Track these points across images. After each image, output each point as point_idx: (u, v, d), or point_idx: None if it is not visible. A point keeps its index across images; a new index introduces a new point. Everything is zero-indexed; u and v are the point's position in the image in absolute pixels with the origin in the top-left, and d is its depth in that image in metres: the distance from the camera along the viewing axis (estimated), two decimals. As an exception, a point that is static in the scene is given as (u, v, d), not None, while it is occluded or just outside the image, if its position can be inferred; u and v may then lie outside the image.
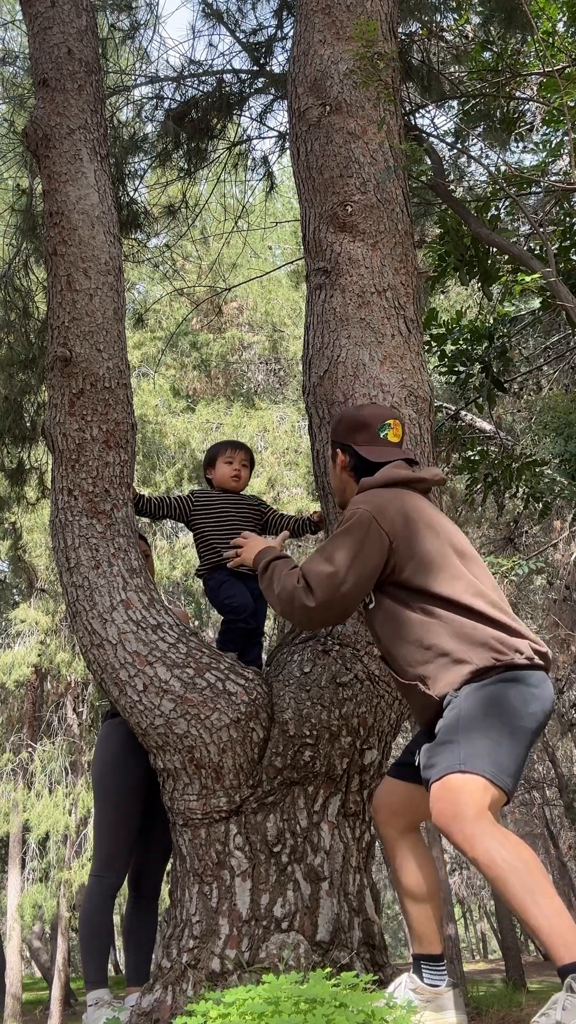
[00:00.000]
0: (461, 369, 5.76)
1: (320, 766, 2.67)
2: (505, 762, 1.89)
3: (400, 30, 4.83)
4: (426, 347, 5.46)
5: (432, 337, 5.70)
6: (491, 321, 5.86)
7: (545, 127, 5.40)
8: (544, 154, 5.58)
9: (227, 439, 3.45)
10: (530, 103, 5.31)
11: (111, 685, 2.78)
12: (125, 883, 3.07)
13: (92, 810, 3.23)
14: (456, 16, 5.46)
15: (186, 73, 6.00)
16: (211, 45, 8.19)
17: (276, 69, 5.92)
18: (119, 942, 20.40)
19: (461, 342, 5.73)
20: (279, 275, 14.19)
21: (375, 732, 2.77)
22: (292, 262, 11.89)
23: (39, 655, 14.07)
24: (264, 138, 10.81)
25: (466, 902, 30.55)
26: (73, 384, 3.07)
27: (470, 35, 5.44)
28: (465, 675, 2.01)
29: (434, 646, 2.06)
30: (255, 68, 6.00)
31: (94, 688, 15.08)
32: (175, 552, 13.82)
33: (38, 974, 22.56)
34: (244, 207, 7.19)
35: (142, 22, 6.10)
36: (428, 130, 6.65)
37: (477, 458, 5.98)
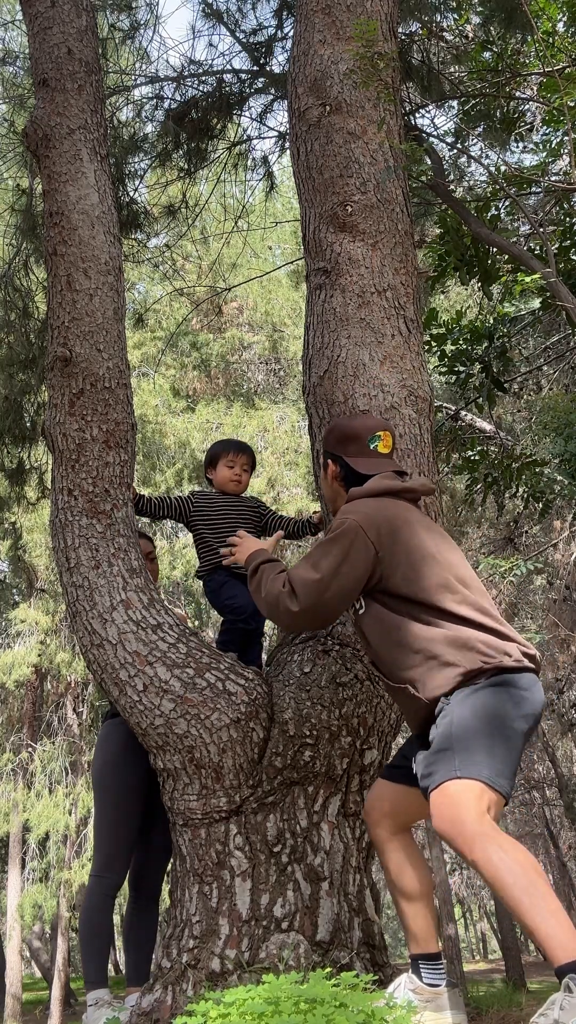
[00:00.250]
0: (461, 369, 5.76)
1: (320, 766, 2.67)
2: (500, 766, 1.92)
3: (400, 30, 4.83)
4: (426, 347, 5.46)
5: (432, 337, 5.69)
6: (491, 321, 5.86)
7: (545, 127, 5.40)
8: (544, 154, 5.58)
9: (229, 439, 3.43)
10: (530, 103, 5.31)
11: (111, 685, 2.78)
12: (125, 883, 3.07)
13: (92, 810, 3.24)
14: (456, 16, 5.46)
15: (186, 73, 6.00)
16: (211, 45, 8.20)
17: (276, 69, 5.93)
18: (119, 942, 20.40)
19: (461, 342, 5.72)
20: (279, 275, 14.20)
21: (375, 732, 2.77)
22: (292, 262, 11.89)
23: (39, 655, 14.07)
24: (264, 138, 10.82)
25: (466, 902, 30.55)
26: (73, 384, 3.07)
27: (470, 35, 5.45)
28: (454, 678, 2.03)
29: (423, 650, 2.09)
30: (255, 68, 6.00)
31: (94, 688, 15.08)
32: (175, 552, 13.83)
33: (38, 974, 22.56)
34: (244, 207, 7.19)
35: (142, 22, 6.10)
36: (428, 130, 6.65)
37: (477, 458, 5.98)
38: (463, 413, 6.47)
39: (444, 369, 5.87)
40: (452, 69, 5.46)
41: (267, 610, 2.33)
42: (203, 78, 5.91)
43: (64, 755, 14.91)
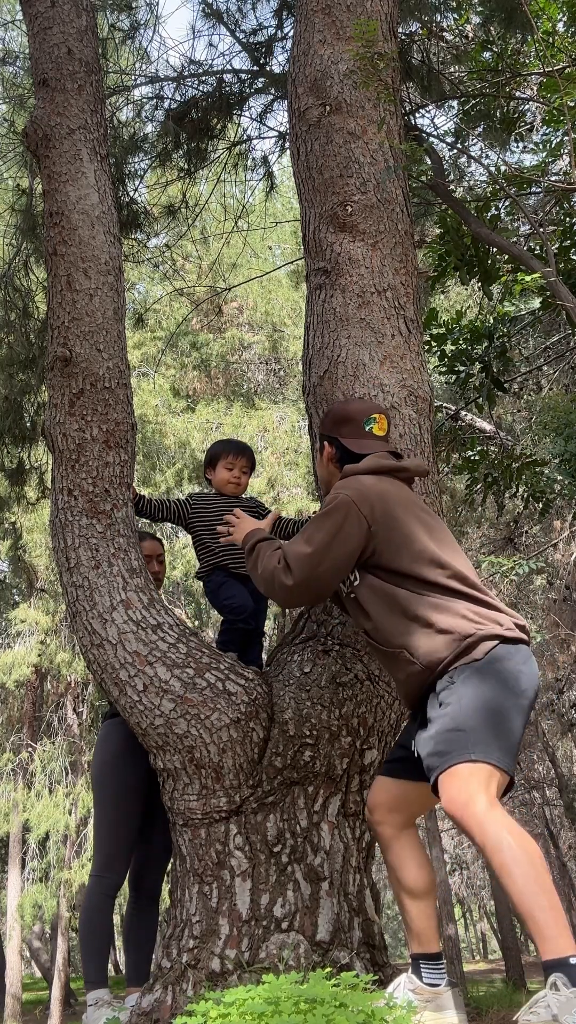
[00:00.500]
0: (461, 369, 5.76)
1: (320, 766, 2.67)
2: (506, 744, 1.96)
3: (400, 30, 4.83)
4: (426, 347, 5.46)
5: (432, 337, 5.69)
6: (491, 321, 5.85)
7: (545, 127, 5.39)
8: (544, 154, 5.57)
9: (229, 439, 3.42)
10: (530, 103, 5.31)
11: (111, 685, 2.78)
12: (125, 883, 3.07)
13: (92, 810, 3.24)
14: (456, 16, 5.46)
15: (186, 73, 6.00)
16: (211, 45, 8.21)
17: (276, 69, 5.93)
18: (119, 942, 20.39)
19: (461, 342, 5.72)
20: (279, 275, 14.19)
21: (375, 732, 2.77)
22: (292, 262, 11.89)
23: (39, 655, 14.07)
24: (264, 138, 10.83)
25: (466, 902, 30.55)
26: (73, 384, 3.07)
27: (470, 35, 5.44)
28: (450, 642, 2.07)
29: (418, 617, 2.14)
30: (255, 68, 6.00)
31: (94, 688, 15.08)
32: (175, 552, 13.82)
33: (38, 974, 22.56)
34: (244, 207, 7.19)
35: (142, 22, 6.10)
36: (428, 130, 6.65)
37: (477, 458, 5.98)
38: (463, 413, 6.46)
39: (444, 369, 5.87)
40: (452, 69, 5.46)
41: (263, 586, 2.38)
42: (203, 78, 5.91)
43: (64, 755, 14.91)
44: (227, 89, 5.89)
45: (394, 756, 2.33)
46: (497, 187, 4.72)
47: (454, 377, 5.84)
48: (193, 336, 14.58)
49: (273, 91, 5.97)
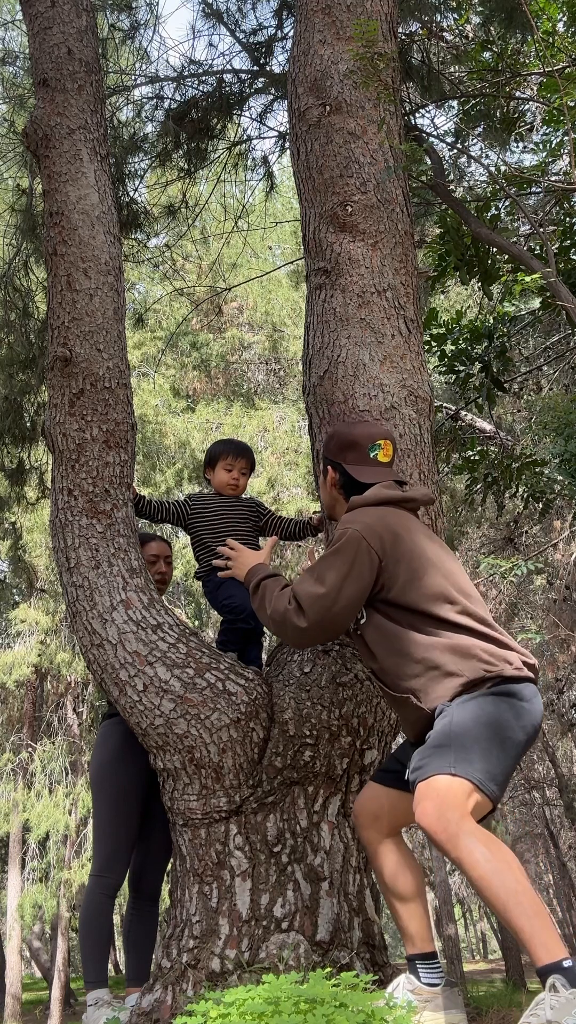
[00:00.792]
0: (461, 369, 5.75)
1: (320, 766, 2.67)
2: (493, 770, 1.92)
3: (400, 30, 4.83)
4: (426, 347, 5.46)
5: (432, 337, 5.69)
6: (491, 321, 5.85)
7: (545, 127, 5.39)
8: (544, 154, 5.57)
9: (230, 439, 3.41)
10: (530, 103, 5.31)
11: (111, 685, 2.78)
12: (125, 883, 3.07)
13: (92, 810, 3.24)
14: (456, 16, 5.45)
15: (186, 73, 6.00)
16: (211, 45, 8.20)
17: (276, 69, 5.93)
18: (119, 942, 20.39)
19: (461, 342, 5.72)
20: (279, 275, 14.20)
21: (375, 732, 2.77)
22: (292, 262, 11.89)
23: (39, 655, 14.08)
24: (264, 138, 10.81)
25: (466, 902, 30.55)
26: (73, 384, 3.07)
27: (470, 35, 5.44)
28: (456, 687, 2.04)
29: (425, 659, 2.09)
30: (255, 68, 6.00)
31: (94, 688, 15.09)
32: (175, 552, 13.82)
33: (38, 974, 22.56)
34: (244, 207, 7.19)
35: (142, 22, 6.10)
36: (428, 130, 6.64)
37: (477, 458, 5.98)
38: (463, 413, 6.46)
39: (444, 369, 5.86)
40: (452, 69, 5.46)
41: (274, 628, 2.33)
42: (203, 78, 5.91)
43: (64, 755, 14.92)
44: (227, 89, 5.89)
45: (388, 767, 2.32)
46: (497, 187, 4.72)
47: (454, 377, 5.83)
48: (193, 336, 14.58)
49: (273, 91, 5.98)
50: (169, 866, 2.98)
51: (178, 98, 5.97)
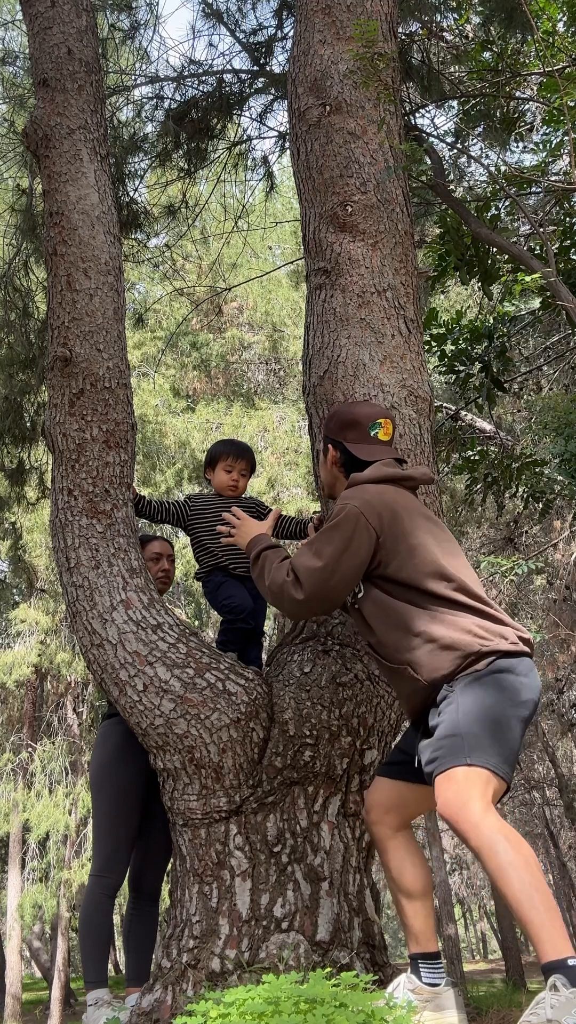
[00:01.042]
0: (461, 369, 5.75)
1: (320, 766, 2.67)
2: (505, 751, 1.96)
3: (400, 30, 4.83)
4: (426, 347, 5.46)
5: (432, 337, 5.69)
6: (491, 321, 5.85)
7: (545, 127, 5.39)
8: (544, 154, 5.57)
9: (230, 440, 3.41)
10: (530, 103, 5.31)
11: (111, 685, 2.78)
12: (125, 883, 3.07)
13: (92, 810, 3.24)
14: (456, 16, 5.45)
15: (186, 73, 6.00)
16: (211, 45, 8.21)
17: (276, 69, 5.93)
18: (119, 942, 20.39)
19: (461, 342, 5.72)
20: (279, 275, 14.20)
21: (375, 732, 2.77)
22: (292, 262, 11.89)
23: (39, 655, 14.08)
24: (264, 138, 10.83)
25: (466, 902, 30.55)
26: (73, 384, 3.06)
27: (470, 35, 5.44)
28: (454, 660, 2.06)
29: (422, 632, 2.12)
30: (255, 68, 6.00)
31: (94, 688, 15.09)
32: (175, 552, 13.83)
33: (38, 974, 22.56)
34: (244, 207, 7.19)
35: (142, 22, 6.11)
36: (428, 130, 6.64)
37: (477, 458, 5.98)
38: (463, 413, 6.46)
39: (444, 369, 5.86)
40: (452, 69, 5.46)
41: (271, 598, 2.37)
42: (203, 78, 5.92)
43: (64, 755, 14.92)
44: (227, 89, 5.89)
45: (393, 759, 2.34)
46: (497, 187, 4.72)
47: (454, 377, 5.83)
48: (193, 336, 14.58)
49: (273, 91, 5.98)
50: (169, 866, 2.98)
51: (178, 98, 5.98)
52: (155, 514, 3.24)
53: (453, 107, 5.72)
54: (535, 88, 4.97)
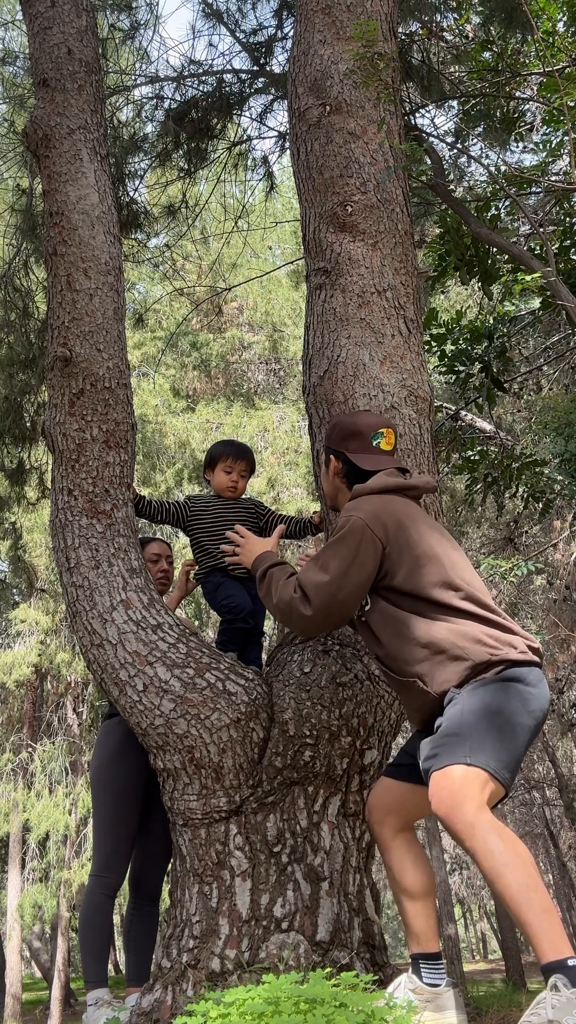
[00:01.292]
0: (461, 369, 5.75)
1: (320, 766, 2.67)
2: (506, 758, 1.93)
3: (400, 30, 4.83)
4: (426, 347, 5.46)
5: (432, 337, 5.69)
6: (491, 321, 5.85)
7: (545, 127, 5.39)
8: (544, 154, 5.57)
9: (230, 440, 3.40)
10: (530, 103, 5.31)
11: (111, 685, 2.78)
12: (125, 883, 3.07)
13: (92, 810, 3.24)
14: (456, 16, 5.45)
15: (186, 73, 6.00)
16: (211, 45, 8.20)
17: (276, 69, 5.93)
18: (119, 942, 20.39)
19: (461, 342, 5.72)
20: (279, 275, 14.20)
21: (375, 732, 2.77)
22: (292, 262, 11.89)
23: (39, 655, 14.08)
24: (264, 138, 10.82)
25: (466, 902, 30.56)
26: (73, 384, 3.06)
27: (470, 35, 5.44)
28: (463, 671, 2.05)
29: (431, 643, 2.10)
30: (255, 68, 6.00)
31: (94, 688, 15.08)
32: (175, 553, 13.83)
33: (38, 974, 22.56)
34: (244, 207, 7.19)
35: (142, 22, 6.11)
36: (428, 130, 6.64)
37: (477, 458, 5.97)
38: (463, 413, 6.46)
39: (444, 369, 5.86)
40: (452, 69, 5.46)
41: (280, 616, 2.34)
42: (203, 78, 5.92)
43: (64, 755, 14.92)
44: (227, 89, 5.90)
45: (399, 761, 2.33)
46: (497, 187, 4.72)
47: (454, 377, 5.83)
48: (193, 336, 14.58)
49: (273, 91, 5.98)
50: (169, 866, 2.98)
51: (178, 98, 5.98)
52: (155, 514, 3.24)
53: (453, 107, 5.72)
54: (535, 88, 4.97)
